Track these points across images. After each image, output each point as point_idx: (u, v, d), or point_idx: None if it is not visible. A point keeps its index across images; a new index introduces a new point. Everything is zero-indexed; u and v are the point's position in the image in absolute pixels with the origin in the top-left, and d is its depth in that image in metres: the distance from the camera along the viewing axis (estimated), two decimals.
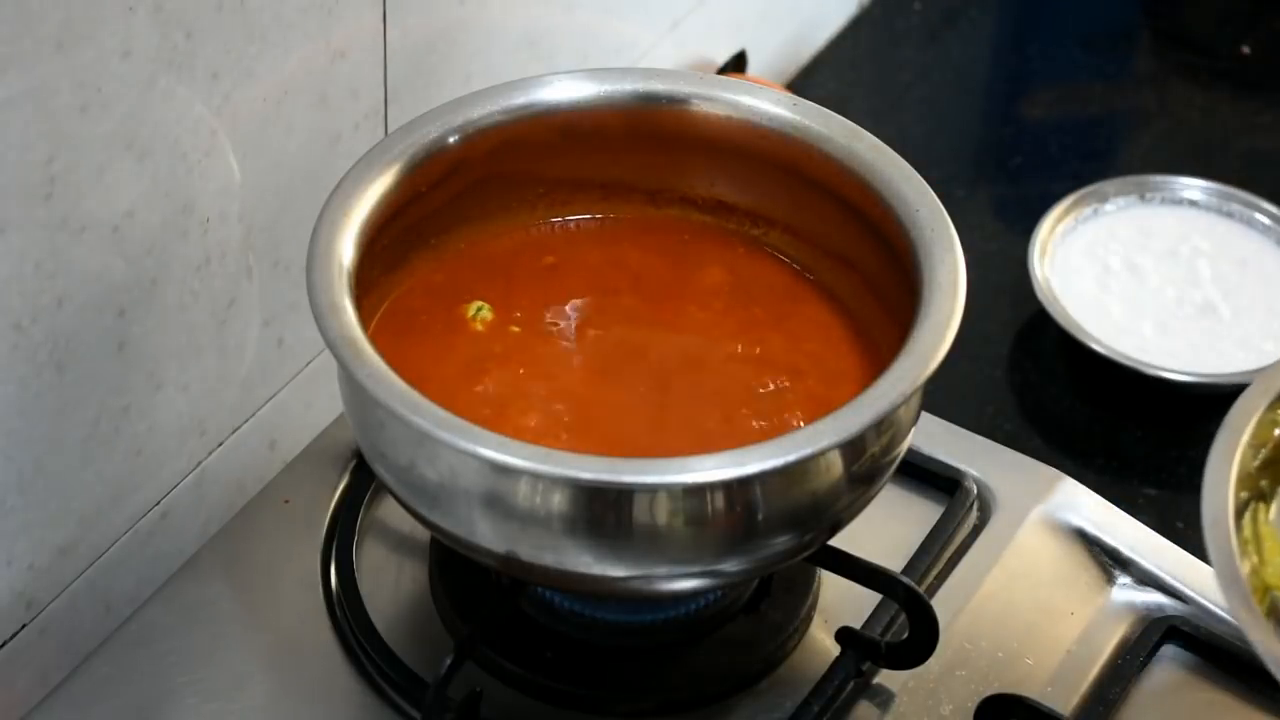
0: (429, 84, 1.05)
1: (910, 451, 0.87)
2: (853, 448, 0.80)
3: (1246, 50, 1.48)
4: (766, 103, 0.91)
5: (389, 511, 0.96)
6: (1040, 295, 1.20)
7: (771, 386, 0.86)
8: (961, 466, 0.99)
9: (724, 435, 0.84)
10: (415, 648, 0.89)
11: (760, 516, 0.79)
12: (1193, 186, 1.29)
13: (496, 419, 0.83)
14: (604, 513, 0.78)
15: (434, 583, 0.92)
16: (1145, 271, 1.24)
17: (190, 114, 0.89)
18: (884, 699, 0.89)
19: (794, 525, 0.80)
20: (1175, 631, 0.93)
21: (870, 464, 0.81)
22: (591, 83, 0.91)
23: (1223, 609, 0.93)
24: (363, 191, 0.85)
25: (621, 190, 0.94)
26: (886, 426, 0.81)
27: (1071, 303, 1.21)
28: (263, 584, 0.93)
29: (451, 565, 0.91)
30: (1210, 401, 1.18)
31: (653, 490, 0.77)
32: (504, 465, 0.76)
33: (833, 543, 0.85)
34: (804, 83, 1.43)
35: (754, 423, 0.85)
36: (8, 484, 0.88)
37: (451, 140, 0.89)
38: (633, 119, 0.92)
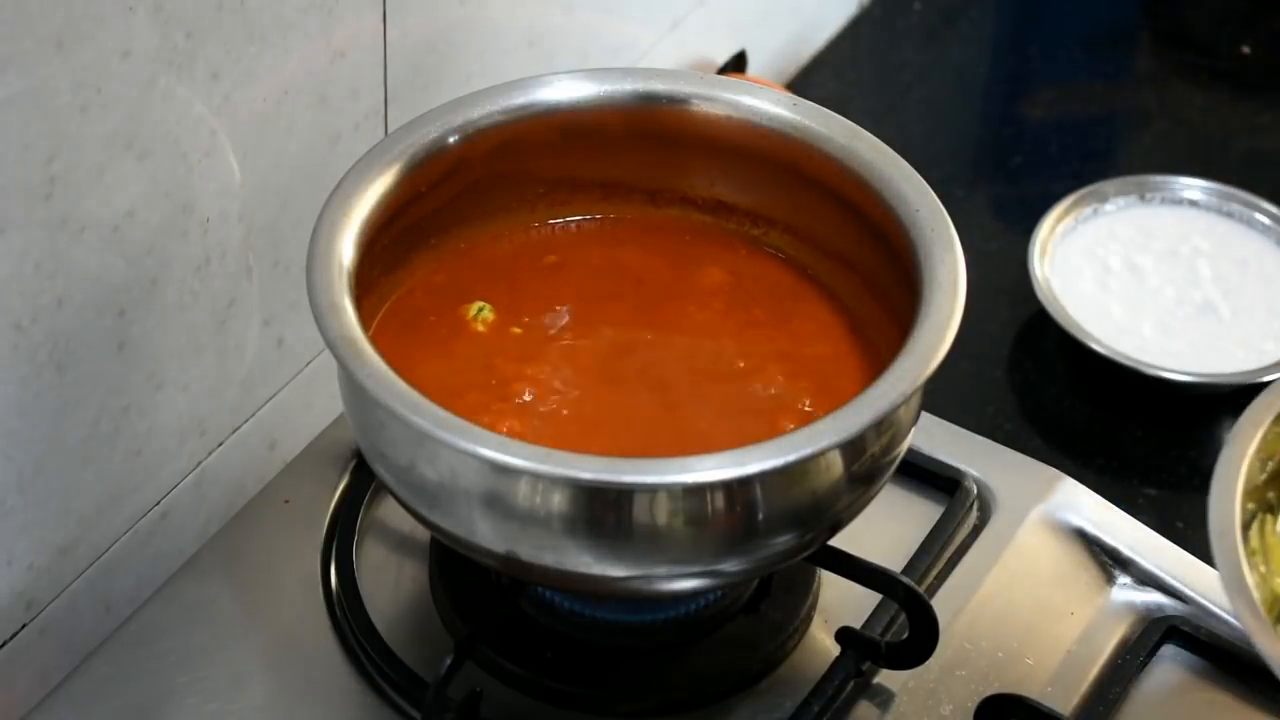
0: (429, 84, 1.05)
1: (910, 451, 0.87)
2: (853, 448, 0.80)
3: (1246, 50, 1.47)
4: (766, 103, 0.91)
5: (389, 511, 0.96)
6: (1040, 295, 1.20)
7: (772, 387, 0.86)
8: (961, 466, 0.99)
9: (724, 435, 0.83)
10: (415, 648, 0.89)
11: (760, 516, 0.79)
12: (1193, 186, 1.28)
13: (496, 419, 0.83)
14: (604, 513, 0.77)
15: (434, 583, 0.92)
16: (1145, 271, 1.24)
17: (190, 114, 0.89)
18: (884, 699, 0.89)
19: (794, 525, 0.80)
20: (1175, 631, 0.93)
21: (870, 464, 0.81)
22: (591, 83, 0.91)
23: (1223, 609, 0.93)
24: (363, 191, 0.85)
25: (621, 190, 0.94)
26: (886, 426, 0.81)
27: (1071, 303, 1.20)
28: (263, 584, 0.93)
29: (451, 565, 0.91)
30: (1210, 401, 1.18)
31: (653, 490, 0.77)
32: (504, 465, 0.76)
33: (833, 543, 0.85)
34: (804, 83, 1.43)
35: (754, 423, 0.85)
36: (8, 484, 0.88)
37: (451, 140, 0.89)
38: (633, 119, 0.92)
